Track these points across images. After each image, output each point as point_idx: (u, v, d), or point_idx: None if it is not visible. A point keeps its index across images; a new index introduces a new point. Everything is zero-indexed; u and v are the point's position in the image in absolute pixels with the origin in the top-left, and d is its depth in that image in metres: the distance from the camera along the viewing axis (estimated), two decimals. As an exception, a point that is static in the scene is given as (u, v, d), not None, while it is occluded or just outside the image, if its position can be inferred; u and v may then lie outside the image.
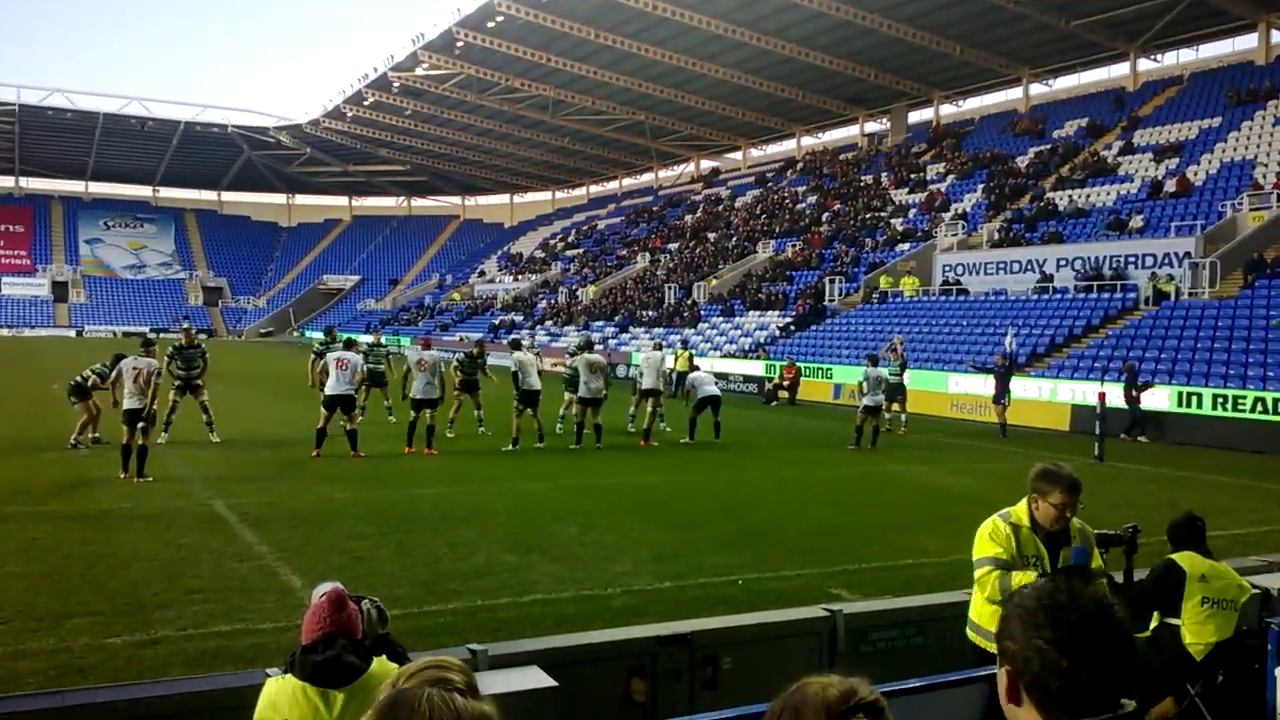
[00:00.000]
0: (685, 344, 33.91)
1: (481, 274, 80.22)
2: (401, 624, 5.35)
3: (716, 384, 20.45)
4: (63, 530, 10.06)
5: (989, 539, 4.48)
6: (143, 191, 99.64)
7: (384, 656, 3.39)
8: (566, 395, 19.39)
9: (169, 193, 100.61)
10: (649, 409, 19.25)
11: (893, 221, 44.21)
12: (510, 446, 17.07)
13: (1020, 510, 4.52)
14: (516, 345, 18.53)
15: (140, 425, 13.06)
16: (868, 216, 46.31)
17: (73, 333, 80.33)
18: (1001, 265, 34.68)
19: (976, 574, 4.50)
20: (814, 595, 7.94)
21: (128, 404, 13.25)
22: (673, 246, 58.52)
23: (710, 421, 19.40)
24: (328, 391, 15.68)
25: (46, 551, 9.15)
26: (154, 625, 7.08)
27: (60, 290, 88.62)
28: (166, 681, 5.32)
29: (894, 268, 39.08)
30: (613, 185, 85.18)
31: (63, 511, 11.11)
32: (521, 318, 60.00)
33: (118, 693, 4.23)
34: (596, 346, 27.00)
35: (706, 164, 74.47)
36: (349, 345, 17.14)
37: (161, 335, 63.76)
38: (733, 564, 9.37)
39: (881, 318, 35.73)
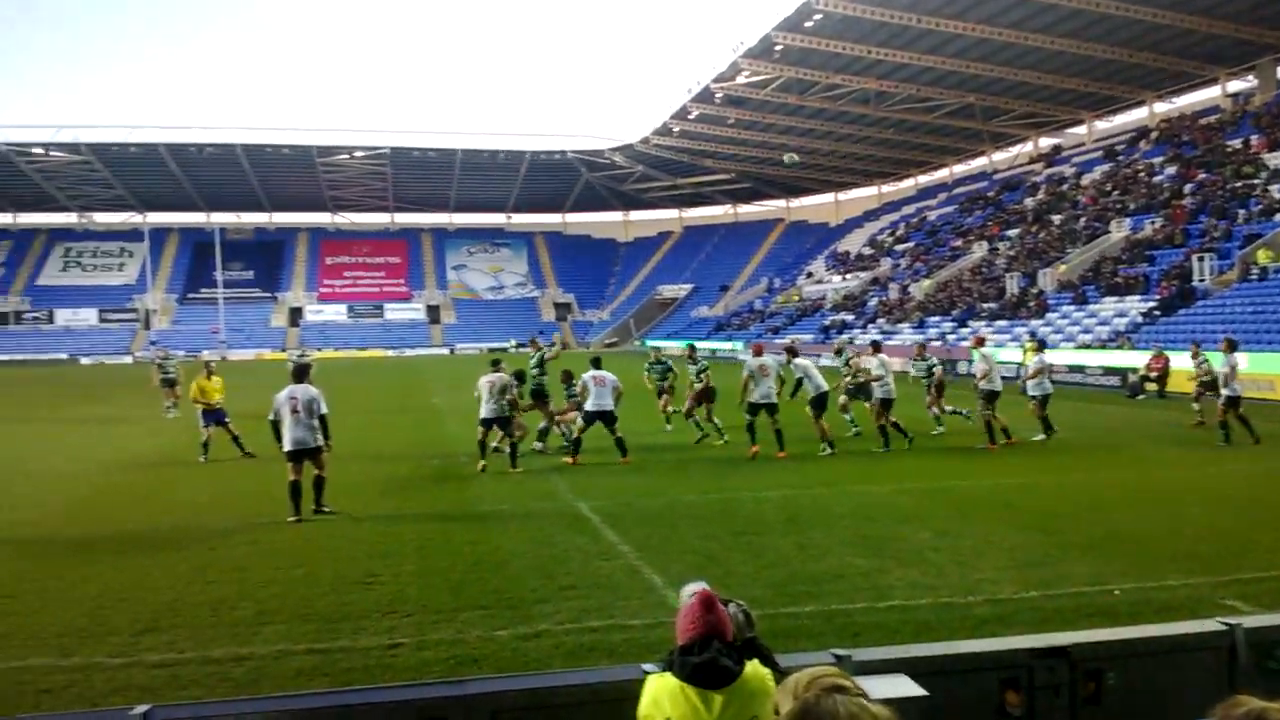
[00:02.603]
0: (1033, 335, 32.08)
1: (809, 275, 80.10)
2: (759, 625, 5.43)
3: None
4: (449, 530, 11.19)
5: None
6: (497, 219, 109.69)
7: (755, 660, 3.44)
8: (841, 398, 19.53)
9: (520, 218, 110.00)
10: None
11: (1269, 188, 39.31)
12: (827, 450, 16.86)
13: None
14: (793, 352, 18.22)
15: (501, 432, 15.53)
16: (1238, 185, 41.56)
17: (446, 350, 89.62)
18: None
19: None
20: (1203, 607, 7.21)
21: (482, 413, 15.56)
22: (1012, 233, 55.43)
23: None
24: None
25: (438, 550, 10.20)
26: (535, 619, 7.68)
27: (433, 313, 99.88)
28: (555, 673, 5.76)
29: (1274, 240, 34.80)
30: (942, 173, 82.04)
31: (448, 513, 12.36)
32: (852, 317, 59.20)
33: (511, 683, 4.61)
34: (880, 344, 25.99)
35: (1046, 142, 69.79)
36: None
37: (520, 348, 69.35)
38: (1104, 571, 8.69)
39: (1263, 297, 31.74)
